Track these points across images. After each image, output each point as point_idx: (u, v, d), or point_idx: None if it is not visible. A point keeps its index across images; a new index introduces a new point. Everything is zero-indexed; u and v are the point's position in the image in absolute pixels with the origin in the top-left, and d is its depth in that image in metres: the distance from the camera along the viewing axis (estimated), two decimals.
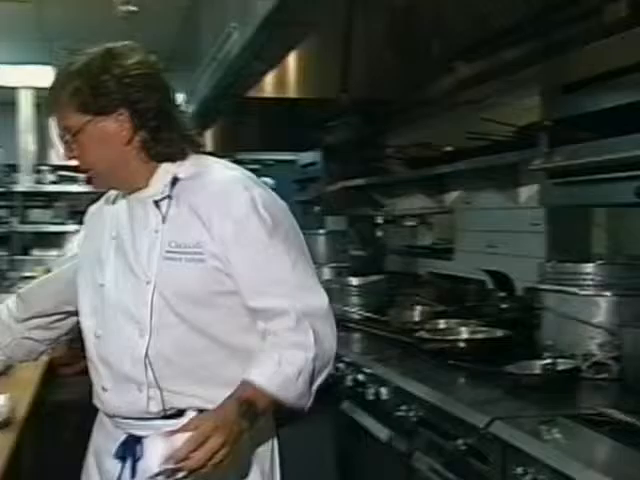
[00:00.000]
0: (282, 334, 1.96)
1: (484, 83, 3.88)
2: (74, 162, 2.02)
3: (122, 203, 2.09)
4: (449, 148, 4.25)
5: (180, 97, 7.48)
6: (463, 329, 3.34)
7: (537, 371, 2.62)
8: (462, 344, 3.13)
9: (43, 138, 10.67)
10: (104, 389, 2.03)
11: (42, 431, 2.83)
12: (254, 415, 1.85)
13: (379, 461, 3.03)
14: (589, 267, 2.80)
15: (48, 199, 9.17)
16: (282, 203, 2.09)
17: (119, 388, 2.00)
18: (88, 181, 2.08)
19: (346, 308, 4.24)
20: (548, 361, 2.56)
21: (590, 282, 2.77)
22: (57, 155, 10.77)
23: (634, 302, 2.73)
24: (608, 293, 2.74)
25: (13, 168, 9.51)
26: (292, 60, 4.01)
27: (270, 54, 3.74)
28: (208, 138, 7.08)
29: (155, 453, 1.73)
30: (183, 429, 1.77)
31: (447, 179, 4.59)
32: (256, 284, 1.97)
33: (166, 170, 2.03)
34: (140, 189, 2.04)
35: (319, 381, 2.01)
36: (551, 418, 2.24)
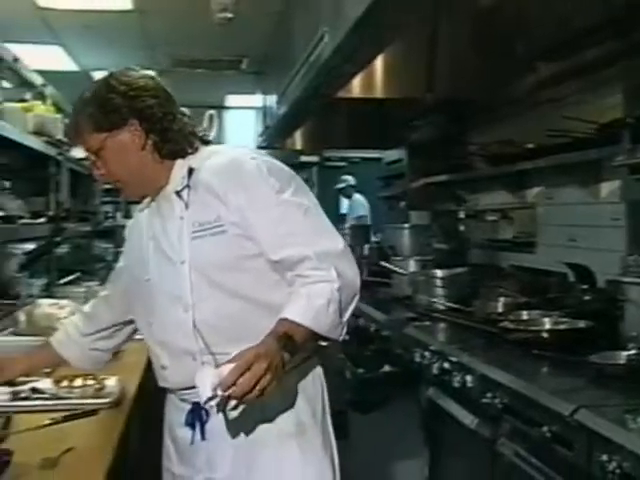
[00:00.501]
0: (307, 274, 2.06)
1: (566, 82, 3.81)
2: (102, 178, 2.22)
3: (152, 206, 2.25)
4: (531, 145, 4.18)
5: (272, 98, 7.54)
6: (546, 320, 3.27)
7: (621, 361, 2.55)
8: (545, 334, 3.07)
9: None
10: (163, 367, 2.19)
11: (146, 411, 2.86)
12: (293, 347, 1.92)
13: (464, 446, 3.00)
14: None
15: None
16: (288, 170, 2.21)
17: (176, 363, 2.15)
18: (119, 192, 2.29)
19: (431, 299, 4.21)
20: (633, 352, 2.49)
21: None
22: None
23: None
24: None
25: None
26: (379, 61, 3.98)
27: (360, 56, 3.73)
28: (297, 137, 7.11)
29: (205, 381, 1.79)
30: (229, 361, 1.83)
31: (528, 175, 4.52)
32: (274, 239, 2.08)
33: (181, 165, 2.19)
34: (162, 187, 2.20)
35: (349, 312, 2.09)
36: (636, 407, 2.19)
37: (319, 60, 3.98)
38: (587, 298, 3.45)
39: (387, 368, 3.73)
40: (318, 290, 2.02)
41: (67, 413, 2.40)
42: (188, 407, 2.16)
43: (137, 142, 2.14)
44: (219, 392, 1.77)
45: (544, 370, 2.82)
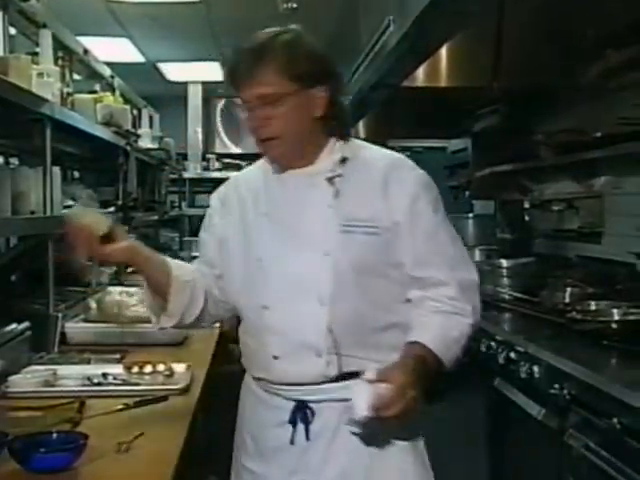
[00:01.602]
0: (444, 301, 2.03)
1: (635, 69, 3.73)
2: (259, 129, 2.00)
3: (271, 179, 2.12)
4: (598, 134, 4.10)
5: None
6: (615, 311, 3.22)
7: None
8: (615, 325, 3.02)
9: (209, 129, 10.96)
10: (275, 357, 2.02)
11: (213, 398, 2.89)
12: (425, 373, 1.90)
13: (531, 438, 2.97)
14: None
15: (214, 185, 9.39)
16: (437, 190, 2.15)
17: (293, 355, 2.01)
18: (265, 148, 2.05)
19: (497, 289, 4.17)
20: None
21: None
22: (221, 144, 11.05)
23: None
24: None
25: (183, 156, 9.80)
26: (444, 50, 3.95)
27: (425, 45, 3.71)
28: (361, 127, 7.10)
29: (363, 398, 1.77)
30: (382, 379, 1.80)
31: (595, 164, 4.44)
32: (421, 255, 2.04)
33: (331, 149, 2.08)
34: (304, 166, 2.08)
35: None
36: None
37: (384, 49, 3.96)
38: None
39: None
40: (454, 323, 2.01)
41: (138, 399, 2.43)
42: (290, 405, 2.04)
43: (319, 108, 2.01)
44: (371, 413, 1.77)
45: (613, 361, 2.78)
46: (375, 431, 1.92)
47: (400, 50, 3.76)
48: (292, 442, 2.03)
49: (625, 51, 3.61)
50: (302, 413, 2.02)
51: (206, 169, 10.18)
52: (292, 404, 2.03)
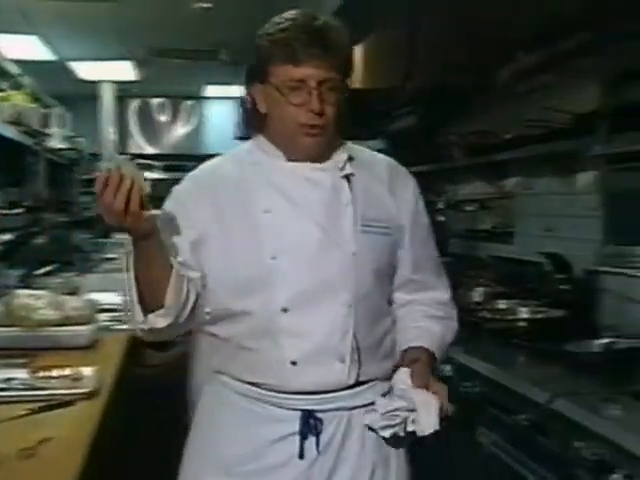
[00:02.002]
0: (434, 305, 2.04)
1: (544, 72, 3.82)
2: (315, 114, 1.85)
3: (265, 174, 1.94)
4: (509, 136, 4.19)
5: None
6: (523, 309, 3.30)
7: (597, 350, 2.58)
8: (522, 324, 3.10)
9: (123, 129, 10.83)
10: (293, 363, 1.87)
11: (123, 402, 2.86)
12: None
13: (442, 435, 3.01)
14: None
15: None
16: None
17: (315, 361, 1.87)
18: (308, 135, 1.88)
19: None
20: (608, 340, 2.52)
21: None
22: (135, 145, 10.94)
23: None
24: None
25: (95, 157, 9.66)
26: (358, 51, 3.98)
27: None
28: None
29: (433, 413, 1.77)
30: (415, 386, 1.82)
31: (507, 166, 4.53)
32: (420, 258, 2.03)
33: (338, 148, 1.98)
34: (318, 161, 1.95)
35: None
36: (611, 395, 2.21)
37: None
38: (563, 288, 3.48)
39: None
40: (448, 328, 2.04)
41: (43, 404, 2.39)
42: (294, 415, 1.89)
43: (345, 102, 1.90)
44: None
45: (521, 359, 2.84)
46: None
47: None
48: (301, 456, 1.89)
49: (535, 54, 3.69)
50: (311, 424, 1.89)
51: None
52: (297, 415, 1.90)
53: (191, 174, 2.07)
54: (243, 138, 7.77)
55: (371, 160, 2.06)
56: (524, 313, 3.26)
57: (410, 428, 1.78)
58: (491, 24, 3.47)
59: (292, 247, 1.88)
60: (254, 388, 1.93)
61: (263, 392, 1.92)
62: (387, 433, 1.82)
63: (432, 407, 1.77)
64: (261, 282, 1.88)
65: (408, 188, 2.04)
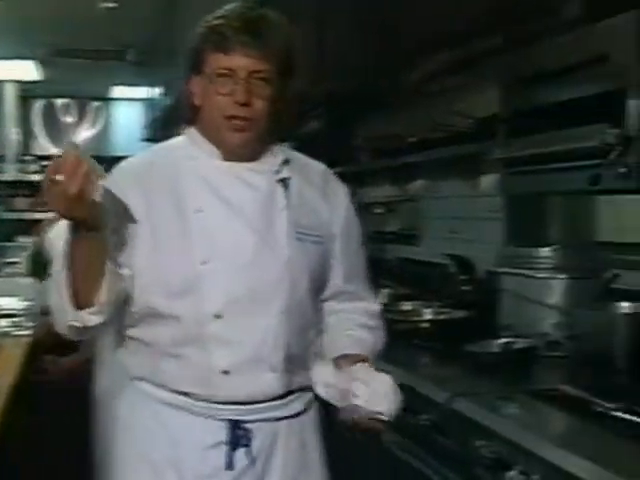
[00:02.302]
0: (365, 315, 2.05)
1: (449, 76, 3.89)
2: (242, 105, 1.80)
3: (205, 173, 1.87)
4: (414, 139, 4.25)
5: (158, 90, 7.46)
6: (427, 311, 3.36)
7: (496, 350, 2.64)
8: (425, 325, 3.15)
9: (27, 130, 10.62)
10: (225, 372, 1.81)
11: (23, 408, 2.82)
12: None
13: (346, 436, 3.03)
14: (545, 251, 2.84)
15: (31, 188, 9.11)
16: None
17: (246, 370, 1.83)
18: (235, 129, 1.83)
19: None
20: (506, 340, 2.58)
21: (545, 265, 2.80)
22: (40, 146, 10.73)
23: (586, 284, 2.78)
24: (562, 276, 2.78)
25: None
26: None
27: None
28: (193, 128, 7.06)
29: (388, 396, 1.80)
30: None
31: (412, 169, 4.61)
32: (352, 269, 2.03)
33: (275, 150, 1.96)
34: (249, 160, 1.90)
35: None
36: (509, 394, 2.27)
37: None
38: (466, 289, 3.56)
39: None
40: (378, 338, 2.06)
41: None
42: (221, 425, 1.85)
43: (283, 100, 1.88)
44: None
45: (424, 360, 2.89)
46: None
47: None
48: (230, 466, 1.84)
49: (439, 58, 3.75)
50: (239, 434, 1.85)
51: (23, 172, 9.85)
52: (224, 424, 1.85)
53: (129, 160, 1.99)
54: (151, 140, 7.72)
55: (305, 164, 2.02)
56: (427, 314, 3.32)
57: (358, 402, 1.78)
58: (397, 28, 3.51)
59: (225, 251, 1.81)
60: (180, 397, 1.85)
61: (189, 401, 1.84)
62: (323, 391, 1.83)
63: (386, 388, 1.79)
64: (191, 287, 1.80)
65: (340, 196, 2.02)
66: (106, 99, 11.20)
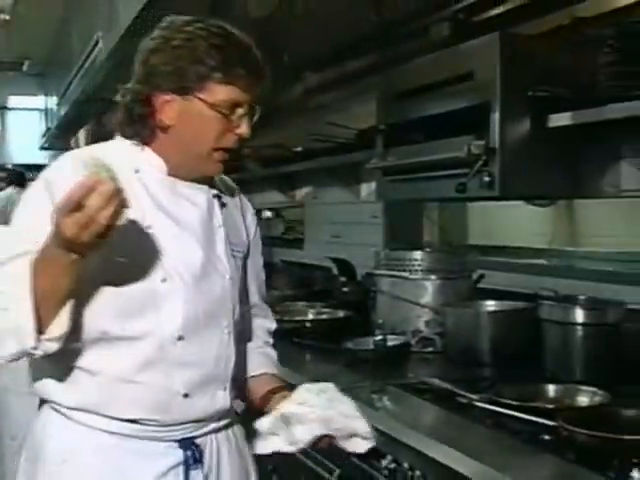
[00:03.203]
0: (266, 333, 2.03)
1: (330, 90, 3.93)
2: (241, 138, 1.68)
3: (150, 188, 1.67)
4: (299, 149, 4.28)
5: (54, 100, 7.29)
6: (310, 311, 3.38)
7: (370, 347, 2.67)
8: (308, 324, 3.17)
9: None
10: (185, 395, 1.66)
11: None
12: None
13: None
14: (417, 254, 2.88)
15: None
16: None
17: (204, 391, 1.70)
18: (222, 159, 1.69)
19: None
20: (380, 337, 2.61)
21: (418, 267, 2.85)
22: None
23: (455, 284, 2.85)
24: (433, 277, 2.83)
25: None
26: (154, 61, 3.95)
27: (133, 61, 3.69)
28: (81, 138, 6.95)
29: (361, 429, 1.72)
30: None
31: (298, 176, 4.64)
32: (260, 285, 1.98)
33: None
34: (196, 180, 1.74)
35: None
36: (382, 387, 2.30)
37: (95, 64, 3.92)
38: (346, 290, 3.61)
39: None
40: (273, 356, 2.02)
41: None
42: (171, 446, 1.68)
43: None
44: None
45: (307, 357, 2.90)
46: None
47: (109, 65, 3.73)
48: None
49: (321, 74, 3.79)
50: (193, 451, 1.71)
51: None
52: (176, 445, 1.69)
53: (66, 160, 1.67)
54: (47, 148, 7.55)
55: (222, 180, 1.85)
56: (310, 314, 3.35)
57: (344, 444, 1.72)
58: (282, 45, 3.53)
59: (179, 269, 1.65)
60: (129, 424, 1.65)
61: (139, 427, 1.65)
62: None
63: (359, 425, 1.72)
64: (150, 306, 1.62)
65: (251, 214, 1.93)
66: (3, 108, 10.89)
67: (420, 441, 1.90)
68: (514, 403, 1.94)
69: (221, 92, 1.62)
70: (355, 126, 3.60)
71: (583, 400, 2.06)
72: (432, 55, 2.68)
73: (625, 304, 2.42)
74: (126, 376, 1.62)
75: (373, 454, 2.02)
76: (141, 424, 1.65)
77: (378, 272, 2.98)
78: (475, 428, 1.94)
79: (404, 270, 2.86)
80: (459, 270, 2.90)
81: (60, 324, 1.49)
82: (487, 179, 2.40)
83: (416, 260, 2.86)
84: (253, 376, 1.91)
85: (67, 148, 7.50)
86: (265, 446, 1.73)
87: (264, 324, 2.02)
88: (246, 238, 1.86)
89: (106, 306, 1.59)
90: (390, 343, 2.62)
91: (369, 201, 3.77)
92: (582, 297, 2.54)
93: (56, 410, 1.68)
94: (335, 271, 3.97)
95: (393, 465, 1.99)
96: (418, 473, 1.91)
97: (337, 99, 3.99)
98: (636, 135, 2.44)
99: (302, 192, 4.68)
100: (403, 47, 3.01)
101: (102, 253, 1.46)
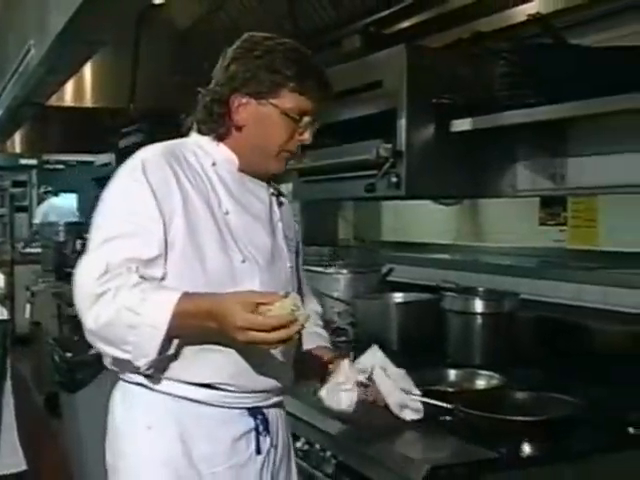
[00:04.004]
0: (314, 315, 2.00)
1: None
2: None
3: (225, 179, 1.73)
4: None
5: None
6: None
7: None
8: None
9: None
10: (259, 365, 1.68)
11: None
12: None
13: None
14: (331, 250, 2.89)
15: None
16: None
17: (274, 364, 1.71)
18: (287, 163, 1.77)
19: None
20: None
21: (332, 262, 2.86)
22: None
23: (364, 278, 2.87)
24: (344, 271, 2.84)
25: None
26: (88, 73, 3.90)
27: (64, 68, 3.64)
28: (17, 141, 6.85)
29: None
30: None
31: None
32: (303, 275, 2.01)
33: None
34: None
35: None
36: None
37: (27, 70, 3.84)
38: None
39: (93, 351, 3.64)
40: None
41: None
42: (242, 414, 1.70)
43: None
44: None
45: None
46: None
47: (40, 72, 3.66)
48: (259, 451, 1.73)
49: None
50: (260, 419, 1.73)
51: None
52: (246, 412, 1.71)
53: (156, 148, 1.74)
54: None
55: (273, 185, 1.86)
56: None
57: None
58: (204, 53, 3.51)
59: (254, 252, 1.70)
60: (206, 390, 1.68)
61: (215, 392, 1.68)
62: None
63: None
64: (229, 285, 1.63)
65: (290, 210, 1.94)
66: None
67: (330, 425, 1.91)
68: (417, 387, 1.95)
69: (292, 100, 1.69)
70: None
71: (480, 383, 2.09)
72: (344, 65, 2.68)
73: (519, 295, 2.47)
74: (210, 345, 1.64)
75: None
76: (218, 389, 1.67)
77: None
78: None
79: (319, 265, 2.86)
80: (369, 265, 2.91)
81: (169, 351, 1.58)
82: (394, 180, 2.42)
83: (330, 255, 2.87)
84: (309, 350, 1.91)
85: (2, 151, 7.35)
86: (352, 397, 1.79)
87: (315, 308, 2.04)
88: (294, 236, 1.89)
89: (193, 280, 1.62)
90: None
91: (288, 200, 3.76)
92: (481, 289, 2.58)
93: (135, 382, 1.69)
94: None
95: (306, 447, 1.99)
96: (329, 454, 1.91)
97: None
98: (530, 139, 2.50)
99: None
100: (318, 57, 3.01)
101: (185, 231, 1.61)
